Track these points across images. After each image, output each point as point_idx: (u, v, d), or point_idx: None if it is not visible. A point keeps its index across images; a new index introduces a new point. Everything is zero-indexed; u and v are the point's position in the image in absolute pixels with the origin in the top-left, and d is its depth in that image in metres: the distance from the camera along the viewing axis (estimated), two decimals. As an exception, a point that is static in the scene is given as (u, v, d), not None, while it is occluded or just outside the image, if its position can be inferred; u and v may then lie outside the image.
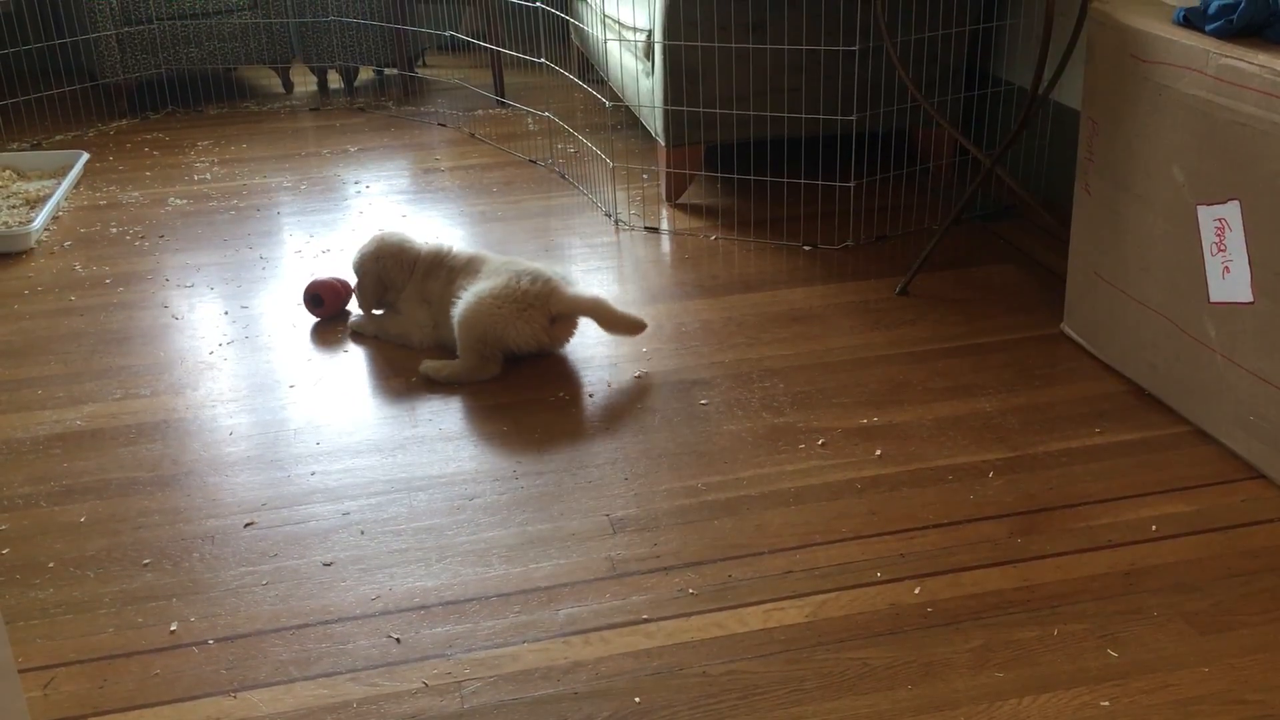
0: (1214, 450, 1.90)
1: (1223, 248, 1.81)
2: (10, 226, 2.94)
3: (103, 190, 3.28)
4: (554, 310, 2.19)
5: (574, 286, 2.25)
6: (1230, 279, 1.81)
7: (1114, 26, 1.99)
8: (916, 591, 1.60)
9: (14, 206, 3.08)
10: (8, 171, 3.30)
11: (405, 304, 2.37)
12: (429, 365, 2.19)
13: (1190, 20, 1.88)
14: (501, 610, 1.60)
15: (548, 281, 2.20)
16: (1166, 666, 1.46)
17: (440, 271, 2.34)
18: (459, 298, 2.22)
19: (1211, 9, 1.84)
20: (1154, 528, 1.72)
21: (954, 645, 1.50)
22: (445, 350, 2.28)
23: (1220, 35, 1.81)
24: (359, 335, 2.39)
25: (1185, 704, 1.40)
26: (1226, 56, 1.76)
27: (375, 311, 2.42)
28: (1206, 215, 1.84)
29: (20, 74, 4.27)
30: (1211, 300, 1.85)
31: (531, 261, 2.30)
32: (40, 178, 3.31)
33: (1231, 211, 1.79)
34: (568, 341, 2.28)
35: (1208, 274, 1.85)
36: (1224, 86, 1.76)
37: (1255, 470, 1.84)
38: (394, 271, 2.36)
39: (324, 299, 2.45)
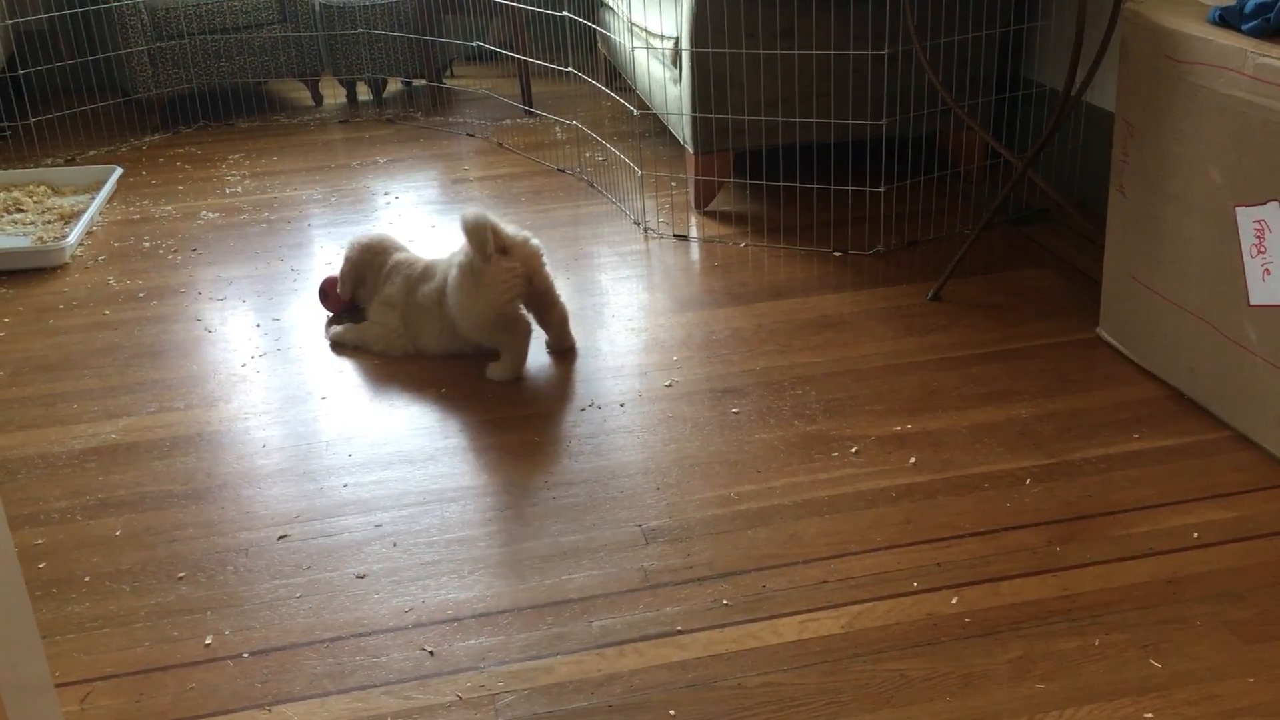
0: (1256, 455, 1.87)
1: (1263, 249, 1.78)
2: (45, 242, 2.97)
3: (136, 204, 3.30)
4: (490, 247, 2.16)
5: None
6: (1271, 281, 1.78)
7: (1148, 27, 1.96)
8: (954, 601, 1.58)
9: (49, 222, 3.11)
10: (42, 187, 3.34)
11: (374, 310, 2.40)
12: (493, 371, 2.23)
13: (1226, 19, 1.85)
14: (535, 622, 1.59)
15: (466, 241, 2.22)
16: (1211, 677, 1.43)
17: (397, 277, 2.37)
18: (428, 308, 2.28)
19: (1248, 8, 1.81)
20: (1196, 535, 1.69)
21: (993, 656, 1.48)
22: (424, 356, 2.33)
23: (1257, 34, 1.78)
24: (340, 346, 2.41)
25: (1230, 715, 1.37)
26: (1264, 55, 1.73)
27: (339, 325, 2.46)
28: (1245, 217, 1.81)
29: (54, 90, 4.32)
30: (1251, 303, 1.82)
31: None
32: (74, 193, 3.34)
33: (1272, 213, 1.76)
34: (540, 260, 2.25)
35: (1247, 276, 1.82)
36: (1262, 86, 1.74)
37: (1299, 475, 1.81)
38: (365, 268, 2.43)
39: (328, 293, 2.54)
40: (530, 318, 2.28)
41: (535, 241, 2.25)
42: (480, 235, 2.14)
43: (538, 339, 2.34)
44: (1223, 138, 1.83)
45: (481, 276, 2.17)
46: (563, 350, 2.34)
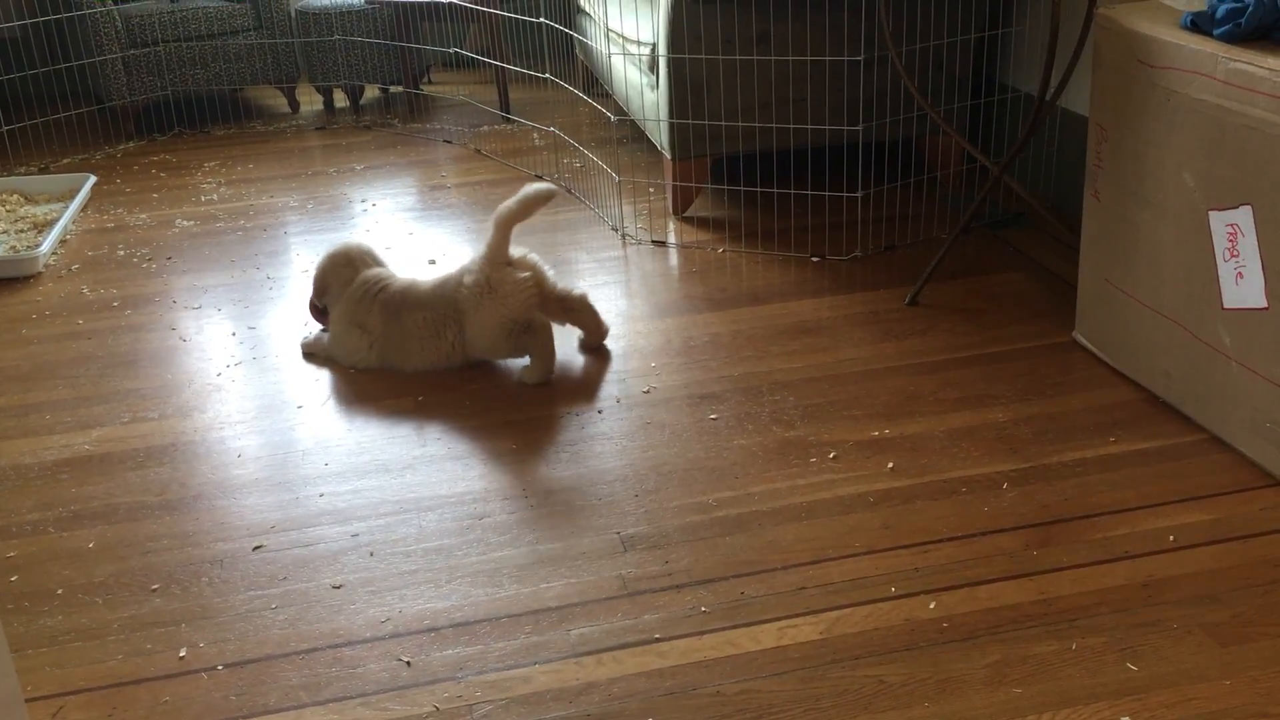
0: (1231, 458, 1.88)
1: (1235, 253, 1.79)
2: (18, 251, 2.95)
3: (110, 213, 3.28)
4: (504, 261, 2.20)
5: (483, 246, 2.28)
6: (1244, 285, 1.79)
7: (1121, 32, 1.98)
8: (932, 606, 1.58)
9: (21, 231, 3.09)
10: (15, 196, 3.31)
11: (335, 325, 2.36)
12: (527, 375, 2.24)
13: (1198, 24, 1.86)
14: (512, 631, 1.58)
15: (478, 259, 2.23)
16: (1187, 679, 1.44)
17: (369, 301, 2.31)
18: (423, 335, 2.27)
19: (1219, 13, 1.82)
20: (1172, 538, 1.70)
21: (970, 661, 1.48)
22: (392, 370, 2.31)
23: (1228, 39, 1.79)
24: (311, 356, 2.39)
25: (1207, 718, 1.38)
26: (1235, 60, 1.74)
27: (319, 328, 2.45)
28: (1218, 221, 1.82)
29: (27, 98, 4.29)
30: (1225, 306, 1.83)
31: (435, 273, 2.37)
32: (48, 201, 3.32)
33: (1244, 217, 1.77)
34: (543, 270, 2.27)
35: (1221, 280, 1.83)
36: (1233, 90, 1.75)
37: (1273, 478, 1.82)
38: (330, 277, 2.37)
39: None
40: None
41: (533, 256, 2.27)
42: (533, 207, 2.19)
43: (567, 339, 2.31)
44: (1195, 142, 1.84)
45: (499, 288, 2.19)
46: (599, 343, 2.35)
